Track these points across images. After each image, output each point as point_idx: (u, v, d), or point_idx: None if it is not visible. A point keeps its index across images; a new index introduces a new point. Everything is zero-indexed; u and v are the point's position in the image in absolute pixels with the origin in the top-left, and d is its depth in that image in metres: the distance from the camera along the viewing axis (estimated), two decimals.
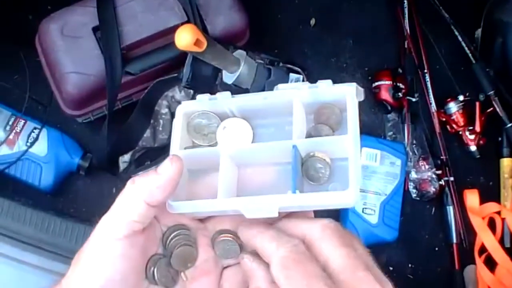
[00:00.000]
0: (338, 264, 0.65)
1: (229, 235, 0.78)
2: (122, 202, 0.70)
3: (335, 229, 0.68)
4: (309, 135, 0.80)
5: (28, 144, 1.70)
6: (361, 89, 0.77)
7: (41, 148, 1.71)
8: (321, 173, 0.78)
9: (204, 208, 0.76)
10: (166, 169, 0.71)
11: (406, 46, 1.88)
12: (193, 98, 1.62)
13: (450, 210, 1.78)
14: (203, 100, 0.82)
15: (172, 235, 0.76)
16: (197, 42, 1.20)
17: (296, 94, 0.79)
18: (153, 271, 0.73)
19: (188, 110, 0.83)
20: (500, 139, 1.83)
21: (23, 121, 1.71)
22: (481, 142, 1.82)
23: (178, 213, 0.76)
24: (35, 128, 1.71)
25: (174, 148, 0.81)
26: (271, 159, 0.81)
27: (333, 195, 0.72)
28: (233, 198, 0.78)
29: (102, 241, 0.69)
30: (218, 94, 0.82)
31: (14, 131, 1.70)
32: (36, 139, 1.70)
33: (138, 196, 0.70)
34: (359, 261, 0.66)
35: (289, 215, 0.76)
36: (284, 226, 0.72)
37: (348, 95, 0.77)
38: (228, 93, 0.81)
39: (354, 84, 0.77)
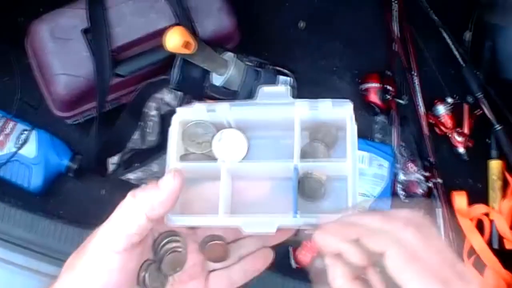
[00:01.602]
0: (436, 259, 0.65)
1: (219, 241, 0.79)
2: (122, 215, 0.71)
3: (417, 222, 0.68)
4: (304, 152, 0.81)
5: (18, 145, 1.70)
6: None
7: (30, 149, 1.71)
8: (317, 192, 0.79)
9: (204, 223, 0.77)
10: (168, 184, 0.71)
11: (395, 48, 1.88)
12: (182, 100, 1.64)
13: (439, 212, 1.79)
14: (200, 109, 0.83)
15: (163, 242, 0.77)
16: (186, 44, 1.21)
17: (297, 113, 0.80)
18: (144, 276, 0.74)
19: (184, 118, 0.83)
20: (488, 141, 1.84)
21: (13, 122, 1.72)
22: (469, 144, 1.82)
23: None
24: (24, 130, 1.72)
25: (172, 157, 0.81)
26: (267, 174, 0.82)
27: (332, 217, 0.73)
28: (234, 216, 0.79)
29: (101, 254, 0.70)
30: (217, 105, 0.82)
31: (3, 132, 1.70)
32: (26, 141, 1.71)
33: (139, 210, 0.70)
34: (452, 254, 0.67)
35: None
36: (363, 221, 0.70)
37: (347, 117, 0.78)
38: (227, 104, 0.82)
39: (351, 104, 0.79)
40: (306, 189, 0.79)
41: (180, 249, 0.77)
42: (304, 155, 0.81)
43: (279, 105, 0.81)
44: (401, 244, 0.65)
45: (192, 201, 0.82)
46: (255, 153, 0.84)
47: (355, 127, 0.78)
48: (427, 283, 0.63)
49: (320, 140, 0.82)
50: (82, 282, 0.70)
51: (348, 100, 0.80)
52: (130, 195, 0.71)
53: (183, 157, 0.83)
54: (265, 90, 0.81)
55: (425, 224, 0.68)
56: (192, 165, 0.82)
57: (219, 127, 0.84)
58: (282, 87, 0.81)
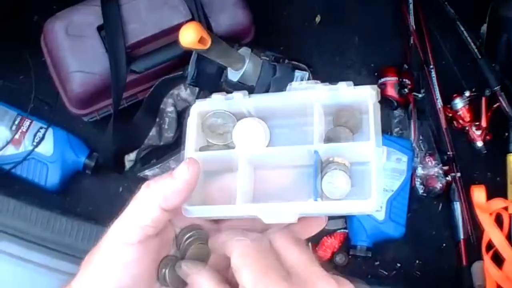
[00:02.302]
0: (292, 259, 0.66)
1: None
2: (136, 206, 0.69)
3: (286, 232, 0.70)
4: (328, 138, 0.78)
5: (34, 143, 1.70)
6: (378, 90, 0.76)
7: (47, 147, 1.71)
8: (340, 190, 0.76)
9: (221, 213, 0.75)
10: (182, 173, 0.69)
11: (411, 42, 1.87)
12: (198, 96, 1.63)
13: (457, 206, 1.78)
14: (218, 99, 0.81)
15: (185, 237, 0.75)
16: (201, 40, 1.19)
17: (316, 96, 0.77)
18: (165, 273, 0.73)
19: (202, 109, 0.81)
20: (506, 134, 1.82)
21: (29, 120, 1.72)
22: (487, 137, 1.81)
23: None
24: (41, 128, 1.72)
25: (189, 148, 0.79)
26: (289, 162, 0.80)
27: (354, 203, 0.71)
28: (251, 204, 0.76)
29: (115, 246, 0.69)
30: (235, 93, 0.80)
31: (20, 131, 1.70)
32: (42, 138, 1.71)
33: (152, 200, 0.68)
34: (313, 258, 0.67)
35: None
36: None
37: (369, 98, 0.75)
38: (245, 92, 0.80)
39: (375, 86, 0.76)
40: (329, 187, 0.77)
41: (203, 243, 0.76)
42: (328, 141, 0.78)
43: (300, 91, 0.79)
44: None
45: (214, 196, 0.80)
46: (277, 142, 0.81)
47: (378, 106, 0.74)
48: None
49: (343, 124, 0.79)
50: (98, 277, 0.68)
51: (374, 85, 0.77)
52: (144, 186, 0.69)
53: (204, 149, 0.81)
54: (293, 86, 0.79)
55: None
56: (209, 155, 0.80)
57: (238, 116, 0.82)
58: (311, 83, 0.79)
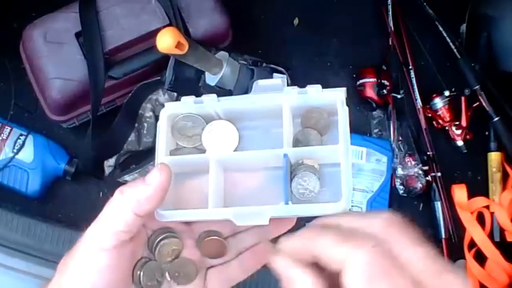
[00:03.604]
0: (419, 268, 0.57)
1: (216, 236, 0.78)
2: (110, 212, 0.70)
3: (400, 224, 0.62)
4: (296, 139, 0.79)
5: (15, 151, 1.70)
6: (345, 93, 0.77)
7: (27, 154, 1.71)
8: (309, 191, 0.77)
9: (194, 217, 0.76)
10: (155, 179, 0.70)
11: (390, 43, 1.87)
12: (177, 100, 1.63)
13: (438, 205, 1.78)
14: (188, 102, 0.82)
15: (158, 239, 0.76)
16: (178, 45, 1.20)
17: (285, 99, 0.78)
18: (140, 275, 0.73)
19: (172, 112, 0.82)
20: (487, 133, 1.83)
21: (9, 128, 1.72)
22: (468, 137, 1.81)
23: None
24: (21, 135, 1.72)
25: (160, 152, 0.80)
26: (259, 164, 0.81)
27: (325, 206, 0.72)
28: (224, 208, 0.78)
29: (89, 252, 0.69)
30: (204, 97, 0.81)
31: (0, 138, 1.70)
32: (22, 145, 1.71)
33: (126, 206, 0.69)
34: (440, 262, 0.58)
35: None
36: (337, 223, 0.63)
37: (338, 101, 0.76)
38: (214, 96, 0.80)
39: (344, 89, 0.77)
40: (299, 190, 0.78)
41: (175, 246, 0.77)
42: (297, 143, 0.78)
43: (268, 93, 0.79)
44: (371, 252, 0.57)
45: (186, 197, 0.81)
46: (246, 144, 0.83)
47: (347, 110, 0.75)
48: None
49: (312, 126, 0.80)
50: (71, 283, 0.69)
51: (343, 88, 0.78)
52: (118, 192, 0.70)
53: (174, 152, 0.82)
54: (260, 83, 0.80)
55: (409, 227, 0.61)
56: (181, 159, 0.80)
57: (208, 119, 0.83)
58: (278, 80, 0.79)
